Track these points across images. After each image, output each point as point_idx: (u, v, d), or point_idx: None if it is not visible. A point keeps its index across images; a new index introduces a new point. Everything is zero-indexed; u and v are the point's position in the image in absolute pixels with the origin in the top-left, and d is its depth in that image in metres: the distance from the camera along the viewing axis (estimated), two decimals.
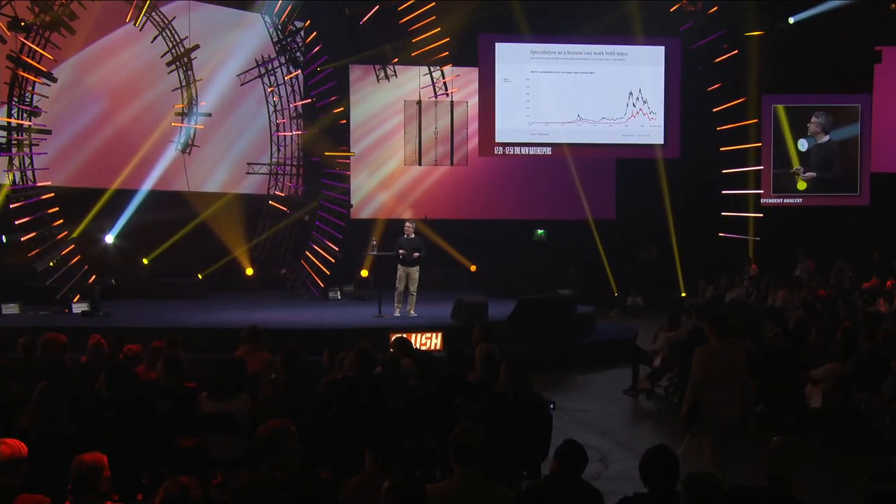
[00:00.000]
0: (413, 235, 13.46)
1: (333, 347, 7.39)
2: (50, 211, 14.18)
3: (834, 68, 18.71)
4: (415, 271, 13.25)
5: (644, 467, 4.19)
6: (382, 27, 17.49)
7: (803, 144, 19.77)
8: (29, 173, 14.22)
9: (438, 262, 18.33)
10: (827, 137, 19.73)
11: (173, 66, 16.37)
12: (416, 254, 13.22)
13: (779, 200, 19.77)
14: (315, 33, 17.56)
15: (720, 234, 19.15)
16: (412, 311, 13.38)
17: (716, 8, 18.16)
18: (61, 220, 14.35)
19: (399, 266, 13.27)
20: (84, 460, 4.08)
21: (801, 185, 19.82)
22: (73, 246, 14.38)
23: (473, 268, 18.57)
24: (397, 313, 13.35)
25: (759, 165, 19.23)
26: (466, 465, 4.13)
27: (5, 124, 13.80)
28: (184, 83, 16.56)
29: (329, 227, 17.78)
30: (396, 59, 17.96)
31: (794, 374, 8.94)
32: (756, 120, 18.87)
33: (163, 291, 16.12)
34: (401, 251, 13.24)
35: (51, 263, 14.05)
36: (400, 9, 17.30)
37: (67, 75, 14.87)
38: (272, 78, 17.85)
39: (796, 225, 19.01)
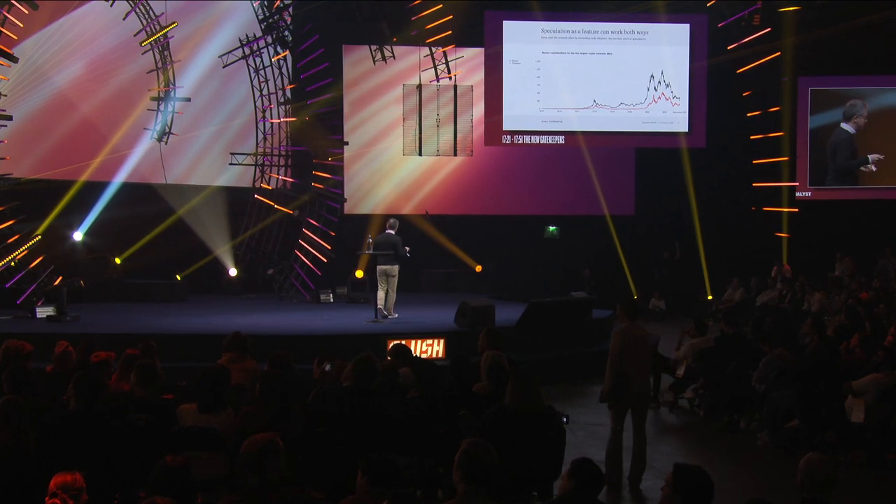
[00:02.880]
0: None
1: (323, 355, 7.40)
2: (10, 205, 14.18)
3: (878, 47, 18.64)
4: None
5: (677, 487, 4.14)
6: (379, 4, 17.49)
7: None
8: None
9: (441, 262, 18.35)
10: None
11: (148, 46, 16.38)
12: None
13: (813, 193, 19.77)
14: (305, 10, 17.56)
15: (751, 229, 19.14)
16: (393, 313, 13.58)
17: None
18: (23, 216, 14.34)
19: (397, 266, 13.34)
20: (66, 479, 4.08)
21: None
22: (36, 243, 14.37)
23: (479, 268, 18.58)
24: (396, 315, 13.44)
25: (795, 155, 19.22)
26: (472, 484, 4.12)
27: None
28: (160, 65, 16.58)
29: (320, 223, 17.78)
30: (395, 39, 17.95)
31: (834, 386, 8.91)
32: (779, 108, 18.83)
33: (137, 294, 16.15)
34: (407, 248, 13.38)
35: (11, 263, 14.05)
36: None
37: (30, 55, 14.87)
38: (258, 60, 17.85)
39: (835, 220, 18.96)
